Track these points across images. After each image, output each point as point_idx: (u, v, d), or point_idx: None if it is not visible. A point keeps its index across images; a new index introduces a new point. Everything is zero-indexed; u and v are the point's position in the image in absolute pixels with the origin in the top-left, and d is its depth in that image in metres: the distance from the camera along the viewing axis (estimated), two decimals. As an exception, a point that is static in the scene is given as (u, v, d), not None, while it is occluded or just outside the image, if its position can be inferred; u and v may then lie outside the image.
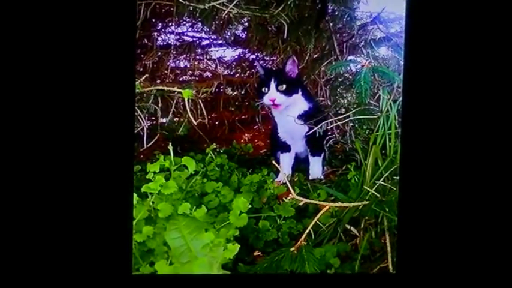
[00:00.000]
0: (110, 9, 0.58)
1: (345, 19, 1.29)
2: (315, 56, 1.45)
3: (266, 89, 1.12)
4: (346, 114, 1.12)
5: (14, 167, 0.58)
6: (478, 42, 0.59)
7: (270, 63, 1.63)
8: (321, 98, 1.44)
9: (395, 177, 0.80)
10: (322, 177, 1.19)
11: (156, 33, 1.55)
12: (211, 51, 1.70)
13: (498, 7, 0.59)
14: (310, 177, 1.18)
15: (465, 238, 0.60)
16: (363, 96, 0.90)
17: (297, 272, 0.63)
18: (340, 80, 1.47)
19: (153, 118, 1.28)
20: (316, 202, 0.82)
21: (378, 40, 1.34)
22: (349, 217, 0.78)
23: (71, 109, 0.58)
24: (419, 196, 0.61)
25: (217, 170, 1.06)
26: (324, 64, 1.37)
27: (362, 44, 1.36)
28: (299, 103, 1.16)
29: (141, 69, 1.48)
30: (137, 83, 1.02)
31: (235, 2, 1.07)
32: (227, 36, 1.56)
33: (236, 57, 1.74)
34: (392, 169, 0.81)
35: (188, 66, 1.68)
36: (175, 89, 1.08)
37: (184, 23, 1.59)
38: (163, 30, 1.59)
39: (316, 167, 1.19)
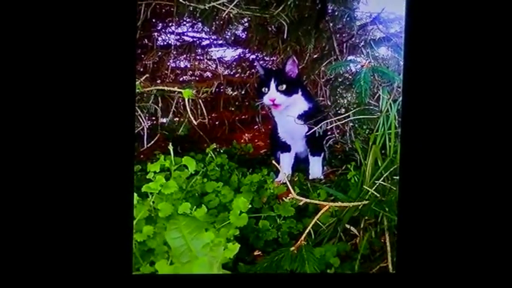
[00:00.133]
0: (110, 10, 0.58)
1: (344, 19, 1.30)
2: (315, 56, 1.45)
3: (266, 89, 1.12)
4: (346, 114, 1.12)
5: (15, 167, 0.58)
6: (477, 42, 0.59)
7: (270, 63, 1.63)
8: (320, 98, 1.44)
9: (395, 177, 0.80)
10: (322, 177, 1.19)
11: (156, 34, 1.55)
12: (212, 51, 1.70)
13: (498, 7, 0.59)
14: (310, 177, 1.18)
15: (465, 238, 0.60)
16: (363, 96, 0.90)
17: (297, 271, 0.63)
18: (340, 80, 1.47)
19: (154, 118, 1.28)
20: (316, 202, 0.82)
21: (378, 40, 1.34)
22: (349, 217, 0.78)
23: (71, 109, 0.59)
24: (419, 196, 0.61)
25: (217, 170, 1.06)
26: (323, 64, 1.37)
27: (362, 44, 1.36)
28: (299, 103, 1.16)
29: (142, 69, 1.48)
30: (137, 83, 1.02)
31: (235, 2, 1.07)
32: (227, 37, 1.56)
33: (236, 57, 1.74)
34: (392, 169, 0.81)
35: (188, 66, 1.68)
36: (175, 89, 1.08)
37: (185, 23, 1.59)
38: (163, 30, 1.59)
39: (316, 167, 1.19)
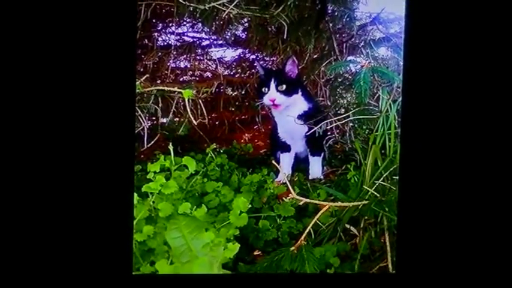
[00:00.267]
0: (110, 10, 0.58)
1: (344, 19, 1.30)
2: (315, 56, 1.45)
3: (266, 89, 1.12)
4: (346, 114, 1.13)
5: (15, 167, 0.58)
6: (477, 42, 0.59)
7: (270, 63, 1.63)
8: (320, 98, 1.45)
9: (394, 177, 0.80)
10: (322, 177, 1.19)
11: (156, 34, 1.55)
12: (212, 51, 1.71)
13: (498, 7, 0.59)
14: (310, 177, 1.18)
15: (464, 238, 0.60)
16: (363, 96, 0.91)
17: (296, 271, 0.63)
18: (339, 80, 1.47)
19: (154, 118, 1.28)
20: (316, 202, 0.83)
21: (378, 40, 1.34)
22: (348, 217, 0.78)
23: (71, 109, 0.59)
24: (419, 196, 0.61)
25: (217, 170, 1.06)
26: (323, 64, 1.37)
27: (362, 44, 1.36)
28: (299, 103, 1.16)
29: (142, 70, 1.49)
30: (138, 83, 1.02)
31: (235, 3, 1.07)
32: (227, 37, 1.57)
33: (236, 57, 1.74)
34: (391, 169, 0.81)
35: (188, 66, 1.68)
36: (175, 89, 1.08)
37: (185, 23, 1.60)
38: (163, 30, 1.59)
39: (316, 167, 1.20)
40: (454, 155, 0.60)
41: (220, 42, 1.65)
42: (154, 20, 1.50)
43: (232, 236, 0.69)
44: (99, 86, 0.59)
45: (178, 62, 1.66)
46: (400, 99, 0.77)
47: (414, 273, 0.61)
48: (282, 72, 1.15)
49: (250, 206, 0.74)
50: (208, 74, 1.75)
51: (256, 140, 1.68)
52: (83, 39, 0.58)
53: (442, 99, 0.60)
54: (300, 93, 1.16)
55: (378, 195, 0.77)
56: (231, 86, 1.71)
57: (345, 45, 1.37)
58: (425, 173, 0.61)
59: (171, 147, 0.85)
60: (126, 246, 0.60)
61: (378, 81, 1.05)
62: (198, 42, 1.64)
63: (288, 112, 1.15)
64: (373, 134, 0.91)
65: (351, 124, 1.24)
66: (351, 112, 1.12)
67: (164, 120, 1.28)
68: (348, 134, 1.27)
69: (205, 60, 1.74)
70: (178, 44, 1.58)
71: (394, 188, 0.77)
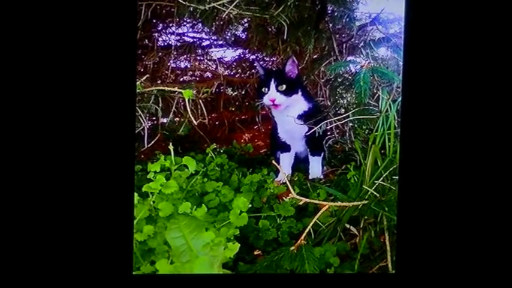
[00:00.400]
0: (110, 10, 0.59)
1: (344, 20, 1.30)
2: (315, 56, 1.45)
3: (266, 89, 1.12)
4: (346, 114, 1.13)
5: (16, 167, 0.58)
6: (477, 42, 0.60)
7: (270, 63, 1.64)
8: (320, 98, 1.45)
9: (394, 177, 0.80)
10: (321, 176, 1.19)
11: (156, 34, 1.56)
12: (212, 51, 1.71)
13: (497, 7, 0.59)
14: (310, 177, 1.18)
15: (464, 237, 0.60)
16: (363, 96, 0.91)
17: (296, 271, 0.63)
18: (339, 80, 1.47)
19: (154, 118, 1.28)
20: (316, 201, 0.83)
21: (377, 41, 1.34)
22: (348, 216, 0.78)
23: (72, 109, 0.59)
24: (419, 195, 0.61)
25: (217, 170, 1.06)
26: (323, 64, 1.37)
27: (361, 44, 1.36)
28: (299, 103, 1.16)
29: (142, 70, 1.49)
30: (138, 83, 1.03)
31: (235, 3, 1.07)
32: (227, 37, 1.57)
33: (236, 57, 1.75)
34: (391, 169, 0.81)
35: (189, 66, 1.68)
36: (175, 89, 1.08)
37: (185, 23, 1.60)
38: (163, 30, 1.59)
39: (315, 167, 1.20)
40: (454, 155, 0.60)
41: (220, 42, 1.66)
42: (154, 20, 1.50)
43: (232, 236, 0.69)
44: (100, 86, 0.59)
45: (178, 62, 1.66)
46: (400, 99, 0.78)
47: (414, 273, 0.61)
48: (282, 72, 1.15)
49: (250, 205, 0.74)
50: (209, 74, 1.75)
51: (256, 140, 1.68)
52: (84, 40, 0.58)
53: (442, 99, 0.60)
54: (299, 93, 1.16)
55: (378, 195, 0.77)
56: (231, 86, 1.72)
57: (344, 45, 1.38)
58: (425, 173, 0.61)
59: (171, 147, 0.85)
60: (127, 246, 0.60)
61: (378, 81, 1.06)
62: (198, 42, 1.64)
63: (288, 112, 1.15)
64: (372, 134, 0.91)
65: (351, 124, 1.24)
66: (350, 112, 1.12)
67: (164, 120, 1.29)
68: (347, 134, 1.28)
69: (206, 61, 1.74)
70: (178, 44, 1.58)
71: (394, 188, 0.77)
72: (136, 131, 1.07)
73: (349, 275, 0.70)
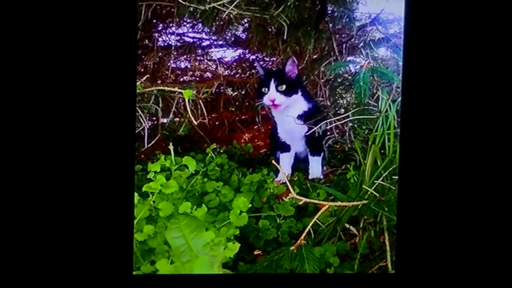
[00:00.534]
0: (111, 10, 0.59)
1: (344, 20, 1.30)
2: (315, 56, 1.46)
3: (266, 90, 1.12)
4: (346, 114, 1.13)
5: (16, 166, 0.58)
6: (476, 42, 0.60)
7: (270, 63, 1.64)
8: (320, 98, 1.45)
9: (394, 177, 0.80)
10: (321, 176, 1.19)
11: (156, 34, 1.56)
12: (212, 51, 1.71)
13: (497, 7, 0.59)
14: (310, 177, 1.18)
15: (464, 237, 0.60)
16: (362, 96, 0.91)
17: (296, 271, 0.63)
18: (339, 80, 1.47)
19: (154, 118, 1.29)
20: (316, 201, 0.83)
21: (377, 41, 1.34)
22: (348, 216, 0.78)
23: (72, 109, 0.59)
24: (418, 195, 0.61)
25: (217, 170, 1.06)
26: (323, 65, 1.37)
27: (361, 44, 1.36)
28: (299, 103, 1.16)
29: (142, 70, 1.49)
30: (138, 83, 1.03)
31: (235, 3, 1.07)
32: (227, 37, 1.57)
33: (236, 57, 1.75)
34: (391, 169, 0.82)
35: (189, 66, 1.69)
36: (175, 89, 1.08)
37: (185, 23, 1.60)
38: (164, 31, 1.59)
39: (315, 167, 1.20)
40: (454, 155, 0.61)
41: (220, 42, 1.66)
42: (154, 21, 1.50)
43: (232, 236, 0.69)
44: (100, 86, 0.59)
45: (178, 62, 1.67)
46: (400, 99, 0.78)
47: (414, 273, 0.61)
48: (281, 72, 1.15)
49: (250, 205, 0.74)
50: (209, 74, 1.75)
51: (256, 140, 1.68)
52: (84, 40, 0.59)
53: (442, 99, 0.60)
54: (299, 93, 1.16)
55: (378, 194, 0.77)
56: (231, 86, 1.72)
57: (344, 45, 1.38)
58: (424, 173, 0.61)
59: (171, 147, 0.85)
60: (127, 246, 0.60)
61: (378, 82, 1.06)
62: (198, 42, 1.64)
63: (287, 112, 1.15)
64: (372, 134, 0.91)
65: (351, 124, 1.24)
66: (350, 112, 1.12)
67: (164, 120, 1.29)
68: (347, 134, 1.28)
69: (206, 61, 1.74)
70: (178, 44, 1.58)
71: (394, 188, 0.77)
72: (137, 131, 1.07)
73: (349, 275, 0.70)
